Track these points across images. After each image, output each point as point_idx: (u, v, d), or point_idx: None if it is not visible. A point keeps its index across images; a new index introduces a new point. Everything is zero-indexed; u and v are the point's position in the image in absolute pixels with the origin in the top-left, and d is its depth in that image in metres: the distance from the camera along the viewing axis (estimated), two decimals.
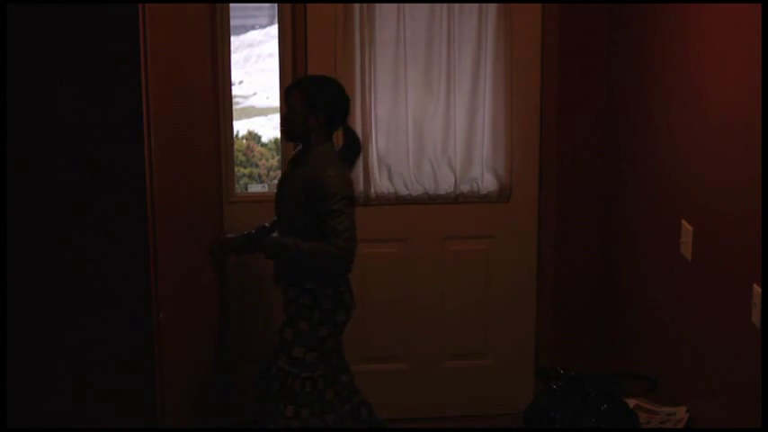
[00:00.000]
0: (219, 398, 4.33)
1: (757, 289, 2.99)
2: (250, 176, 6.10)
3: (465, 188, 4.64)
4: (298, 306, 3.89)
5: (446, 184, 4.62)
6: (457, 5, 4.47)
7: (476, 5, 4.48)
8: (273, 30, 4.74)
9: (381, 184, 4.59)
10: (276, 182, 4.11)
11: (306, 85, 3.93)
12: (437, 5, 4.47)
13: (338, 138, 4.06)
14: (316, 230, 3.81)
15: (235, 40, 4.24)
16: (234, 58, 4.63)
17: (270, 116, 6.76)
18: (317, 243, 3.79)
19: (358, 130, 4.50)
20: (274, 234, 4.04)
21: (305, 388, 3.91)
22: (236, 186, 4.72)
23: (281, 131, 3.95)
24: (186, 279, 4.13)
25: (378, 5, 4.43)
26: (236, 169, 4.84)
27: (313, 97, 3.87)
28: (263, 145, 6.47)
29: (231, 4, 4.43)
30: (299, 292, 3.89)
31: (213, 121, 4.15)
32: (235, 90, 5.34)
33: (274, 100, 4.85)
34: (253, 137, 6.46)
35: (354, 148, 4.01)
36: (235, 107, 5.10)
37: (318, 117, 3.85)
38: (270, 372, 4.01)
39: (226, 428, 4.32)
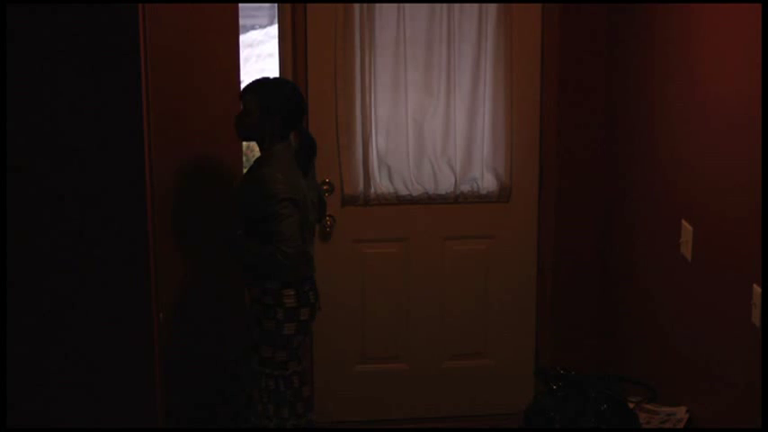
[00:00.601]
0: (224, 398, 4.33)
1: (757, 289, 2.99)
2: None
3: (465, 188, 4.63)
4: (262, 306, 3.91)
5: (446, 184, 4.62)
6: (457, 5, 4.46)
7: (476, 5, 4.47)
8: (273, 30, 4.74)
9: (381, 184, 4.58)
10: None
11: (261, 88, 3.92)
12: (437, 5, 4.46)
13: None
14: (257, 231, 3.85)
15: None
16: None
17: None
18: (263, 245, 3.83)
19: (358, 129, 4.51)
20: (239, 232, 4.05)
21: (279, 387, 3.94)
22: None
23: (236, 131, 3.97)
24: (190, 279, 4.14)
25: (378, 5, 4.43)
26: None
27: (268, 100, 3.88)
28: None
29: None
30: (261, 293, 3.91)
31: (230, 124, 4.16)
32: None
33: None
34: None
35: (309, 150, 4.00)
36: None
37: (273, 120, 3.87)
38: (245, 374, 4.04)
39: (226, 428, 4.32)
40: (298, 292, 3.92)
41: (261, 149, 3.96)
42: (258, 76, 4.05)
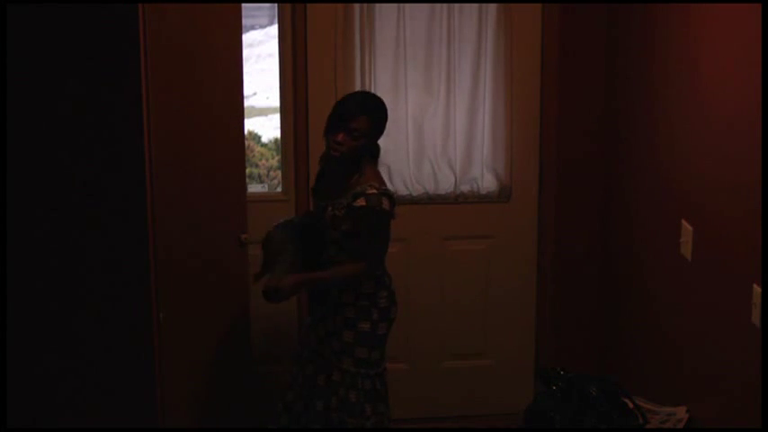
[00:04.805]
0: (238, 398, 4.33)
1: (757, 289, 2.99)
2: (250, 176, 6.09)
3: (465, 188, 4.64)
4: (356, 309, 3.90)
5: (446, 184, 4.62)
6: (457, 5, 4.47)
7: (476, 5, 4.47)
8: (273, 30, 4.73)
9: None
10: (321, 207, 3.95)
11: (373, 108, 3.81)
12: (437, 5, 4.46)
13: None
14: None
15: None
16: None
17: (270, 116, 6.76)
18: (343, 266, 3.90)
19: None
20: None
21: (375, 385, 3.96)
22: None
23: (334, 157, 3.78)
24: (191, 279, 4.14)
25: (378, 5, 4.43)
26: None
27: (379, 121, 3.81)
28: (263, 145, 6.47)
29: None
30: (356, 297, 3.89)
31: (234, 124, 4.15)
32: None
33: (274, 100, 4.85)
34: (253, 137, 6.46)
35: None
36: None
37: (376, 139, 3.84)
38: (323, 382, 4.00)
39: (226, 428, 4.31)
40: (388, 292, 3.96)
41: (348, 166, 3.82)
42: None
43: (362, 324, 3.91)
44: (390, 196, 3.82)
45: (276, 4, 4.53)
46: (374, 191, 3.76)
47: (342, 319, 3.92)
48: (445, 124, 4.57)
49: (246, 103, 4.30)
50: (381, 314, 3.93)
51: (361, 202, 3.76)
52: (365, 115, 3.76)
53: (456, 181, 4.61)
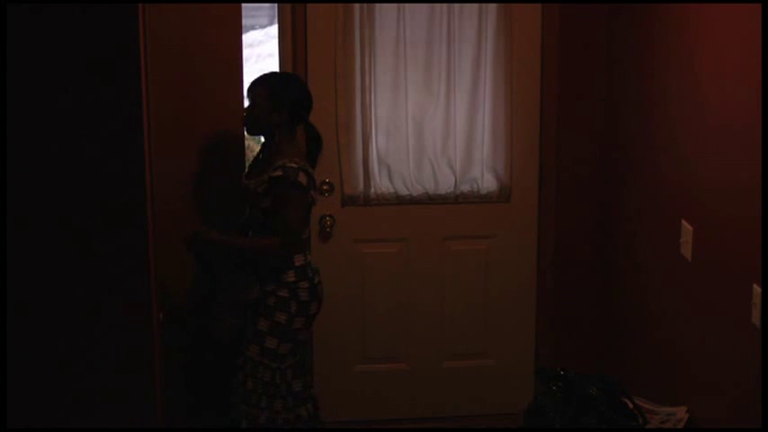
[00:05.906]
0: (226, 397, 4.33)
1: (757, 289, 2.99)
2: None
3: (465, 188, 4.63)
4: (276, 298, 3.93)
5: (446, 184, 4.62)
6: (457, 5, 4.46)
7: (476, 5, 4.47)
8: (273, 30, 4.75)
9: (381, 184, 4.58)
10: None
11: (270, 82, 3.98)
12: (437, 5, 4.46)
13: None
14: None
15: None
16: None
17: None
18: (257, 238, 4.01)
19: (358, 129, 4.51)
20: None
21: (275, 379, 3.98)
22: None
23: (244, 124, 4.04)
24: (191, 279, 4.14)
25: (378, 5, 4.43)
26: None
27: (276, 93, 3.94)
28: None
29: None
30: (277, 285, 3.92)
31: (234, 124, 4.16)
32: None
33: None
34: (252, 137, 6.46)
35: (316, 144, 4.08)
36: None
37: (281, 113, 3.92)
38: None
39: (226, 428, 4.32)
40: (311, 285, 3.97)
41: (269, 145, 4.01)
42: (259, 74, 4.06)
43: (279, 315, 3.95)
44: (310, 174, 3.91)
45: (276, 4, 4.54)
46: (293, 165, 3.86)
47: (262, 306, 3.97)
48: (445, 124, 4.57)
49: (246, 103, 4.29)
50: (300, 308, 3.96)
51: (278, 172, 3.86)
52: (260, 86, 3.96)
53: (456, 181, 4.61)
